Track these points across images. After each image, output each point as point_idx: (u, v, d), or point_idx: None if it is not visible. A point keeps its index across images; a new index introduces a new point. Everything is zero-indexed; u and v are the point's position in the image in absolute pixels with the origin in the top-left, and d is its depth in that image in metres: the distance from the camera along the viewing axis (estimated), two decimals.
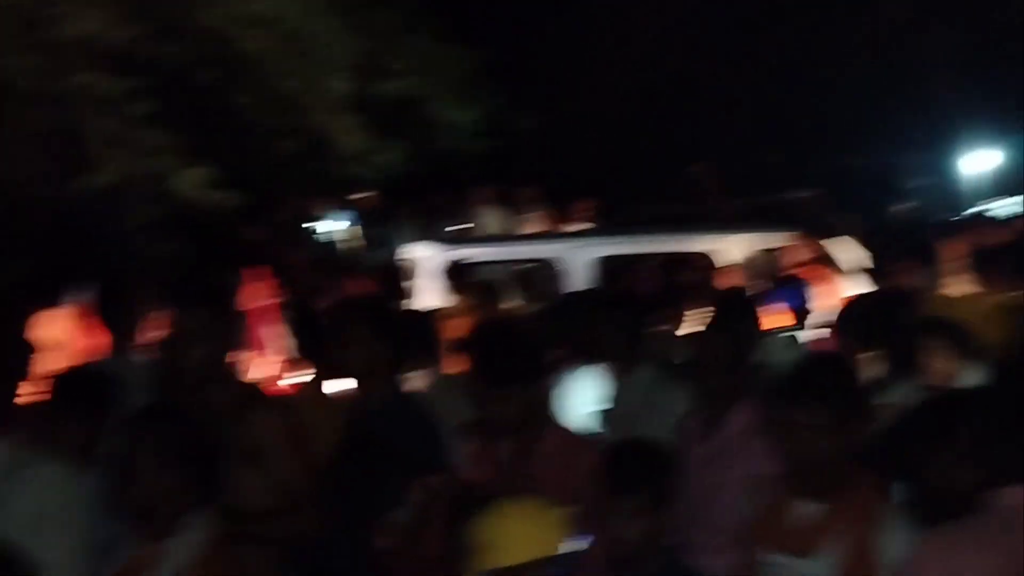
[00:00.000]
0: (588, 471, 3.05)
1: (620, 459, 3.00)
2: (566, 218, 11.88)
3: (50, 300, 8.11)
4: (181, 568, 2.62)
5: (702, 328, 4.11)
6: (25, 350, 3.95)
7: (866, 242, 7.57)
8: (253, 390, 3.43)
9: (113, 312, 5.22)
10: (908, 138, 15.78)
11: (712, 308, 4.85)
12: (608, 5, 16.42)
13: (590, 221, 11.48)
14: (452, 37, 11.16)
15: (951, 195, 15.50)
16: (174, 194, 9.69)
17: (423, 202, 12.07)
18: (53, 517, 2.90)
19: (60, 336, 7.80)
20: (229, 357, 3.37)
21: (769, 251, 7.70)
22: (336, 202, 12.34)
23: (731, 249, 7.54)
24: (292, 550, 3.13)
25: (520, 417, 3.39)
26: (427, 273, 7.32)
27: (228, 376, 3.33)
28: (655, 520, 2.85)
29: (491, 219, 12.07)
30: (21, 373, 3.55)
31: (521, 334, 3.99)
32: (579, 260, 7.41)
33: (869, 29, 17.17)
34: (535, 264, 8.04)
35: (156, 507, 2.67)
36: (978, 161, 15.98)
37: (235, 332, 3.51)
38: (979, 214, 10.38)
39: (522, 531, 2.69)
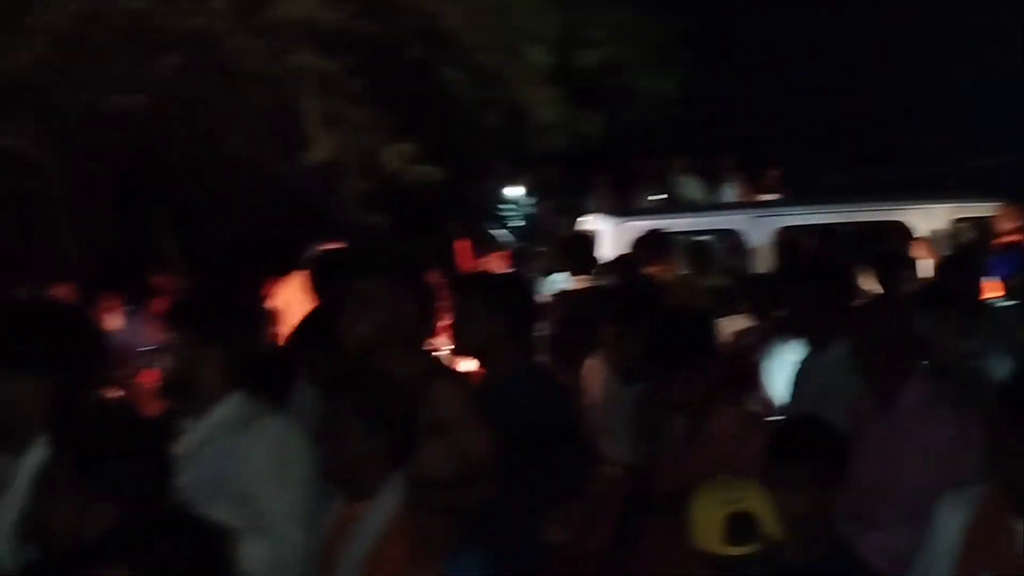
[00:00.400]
0: (760, 451, 3.00)
1: (786, 432, 3.01)
2: (759, 187, 11.74)
3: (279, 269, 8.64)
4: (378, 530, 2.70)
5: (864, 302, 4.03)
6: (259, 315, 4.10)
7: None
8: (437, 361, 3.41)
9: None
10: None
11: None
12: None
13: (778, 190, 11.32)
14: (650, 5, 11.13)
15: None
16: (383, 169, 10.08)
17: (620, 172, 12.11)
18: (282, 469, 2.94)
19: (288, 301, 8.32)
20: (410, 327, 3.30)
21: (968, 220, 7.40)
22: (529, 174, 12.52)
23: (925, 219, 7.26)
24: (471, 521, 3.14)
25: (696, 398, 3.39)
26: (609, 245, 7.28)
27: (410, 346, 3.27)
28: (818, 496, 2.80)
29: (687, 188, 12.03)
30: (255, 336, 3.50)
31: (697, 313, 3.95)
32: (763, 231, 7.28)
33: None
34: (719, 235, 7.94)
35: (357, 469, 2.77)
36: None
37: (414, 302, 3.35)
38: None
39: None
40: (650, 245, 6.53)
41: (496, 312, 3.53)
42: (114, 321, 6.29)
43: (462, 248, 8.55)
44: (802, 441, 2.88)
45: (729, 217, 7.30)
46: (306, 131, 9.73)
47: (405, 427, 2.84)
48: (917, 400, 3.41)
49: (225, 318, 3.13)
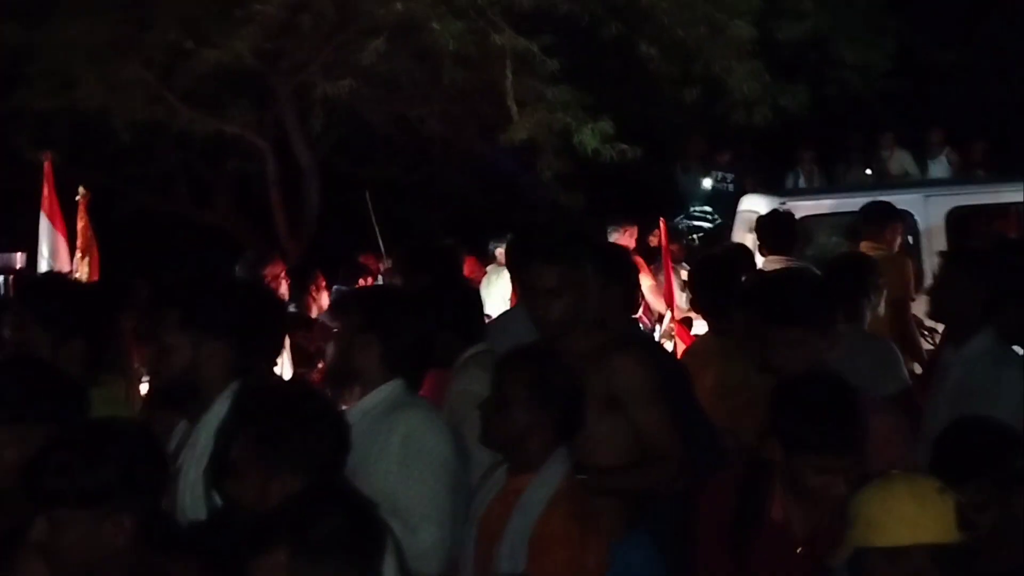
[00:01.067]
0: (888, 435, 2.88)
1: (956, 441, 2.74)
2: (967, 162, 11.11)
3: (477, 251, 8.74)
4: (543, 503, 2.75)
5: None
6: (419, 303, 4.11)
7: None
8: (614, 337, 3.36)
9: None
10: None
11: None
12: None
13: (986, 165, 10.67)
14: None
15: None
16: (580, 147, 10.04)
17: (825, 147, 11.69)
18: (411, 463, 2.98)
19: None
20: (597, 306, 3.39)
21: None
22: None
23: None
24: (643, 505, 3.11)
25: (807, 366, 3.08)
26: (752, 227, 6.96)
27: (589, 324, 3.29)
28: (1005, 508, 2.57)
29: (898, 163, 11.50)
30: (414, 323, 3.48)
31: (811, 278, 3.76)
32: (935, 211, 6.82)
33: None
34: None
35: (523, 441, 2.83)
36: None
37: (607, 284, 3.51)
38: None
39: (910, 511, 2.39)
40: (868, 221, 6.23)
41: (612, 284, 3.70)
42: (321, 301, 6.49)
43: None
44: (978, 450, 2.64)
45: (899, 197, 6.87)
46: (504, 111, 9.80)
47: (572, 401, 2.90)
48: None
49: (383, 306, 3.23)
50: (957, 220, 6.81)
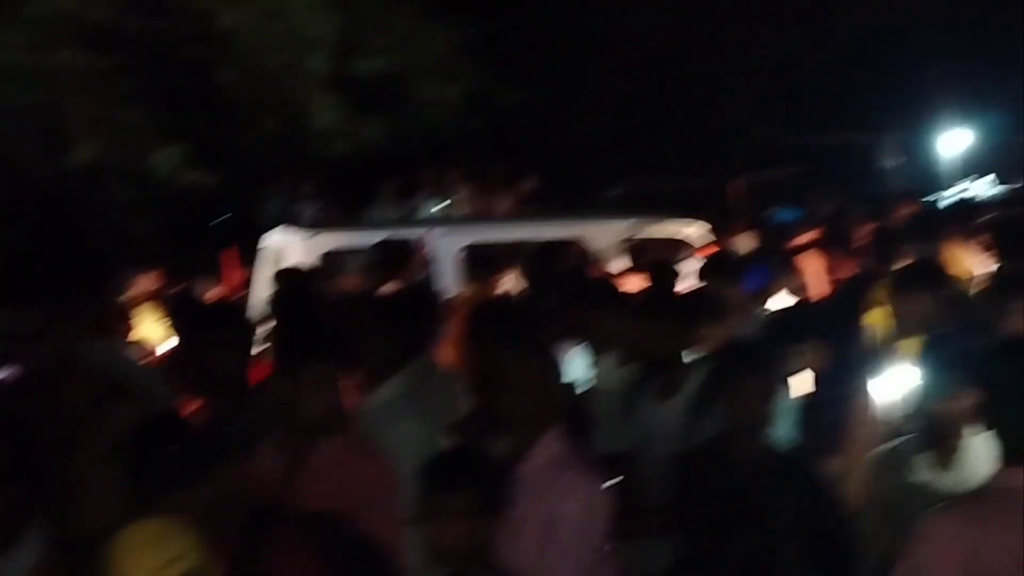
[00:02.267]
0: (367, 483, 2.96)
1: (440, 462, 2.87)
2: (518, 196, 11.91)
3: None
4: None
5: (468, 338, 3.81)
6: None
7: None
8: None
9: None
10: (886, 117, 15.88)
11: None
12: None
13: (536, 201, 11.60)
14: (435, 13, 11.11)
15: (929, 174, 15.66)
16: (153, 173, 9.69)
17: (404, 181, 12.07)
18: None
19: None
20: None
21: (646, 238, 7.80)
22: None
23: (603, 236, 7.56)
24: None
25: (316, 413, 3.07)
26: (296, 260, 7.17)
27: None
28: (475, 526, 2.69)
29: (464, 198, 12.06)
30: None
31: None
32: (450, 247, 7.38)
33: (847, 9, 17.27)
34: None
35: None
36: (953, 141, 16.14)
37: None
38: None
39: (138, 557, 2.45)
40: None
41: None
42: None
43: (229, 258, 8.27)
44: (458, 470, 2.76)
45: (418, 232, 7.32)
46: (69, 131, 9.25)
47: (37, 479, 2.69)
48: (543, 462, 3.01)
49: None
50: (473, 256, 7.24)
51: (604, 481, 3.09)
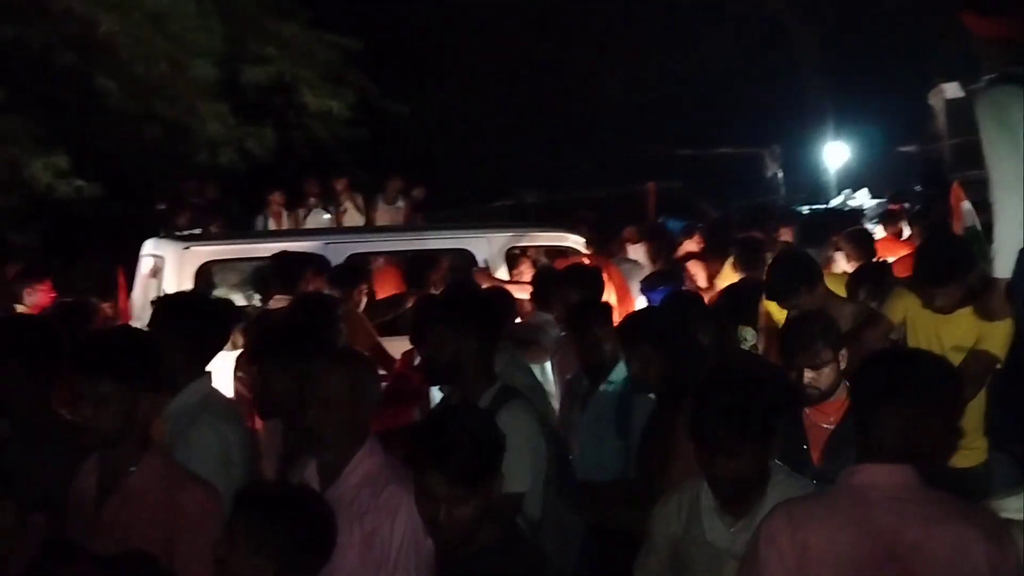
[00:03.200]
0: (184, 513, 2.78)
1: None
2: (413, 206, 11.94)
3: None
4: None
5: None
6: None
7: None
8: None
9: None
10: (772, 128, 16.36)
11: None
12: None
13: (423, 210, 11.67)
14: (323, 25, 11.06)
15: (814, 186, 16.19)
16: (33, 182, 9.42)
17: (292, 192, 11.95)
18: None
19: None
20: None
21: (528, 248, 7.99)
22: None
23: (488, 246, 7.73)
24: None
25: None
26: (172, 271, 7.13)
27: None
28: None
29: (351, 209, 11.98)
30: None
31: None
32: (336, 257, 7.42)
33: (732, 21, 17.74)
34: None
35: None
36: (835, 153, 16.71)
37: None
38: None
39: None
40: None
41: None
42: None
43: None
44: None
45: (305, 243, 7.33)
46: None
47: None
48: (360, 478, 2.88)
49: None
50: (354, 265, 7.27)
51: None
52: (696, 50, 17.21)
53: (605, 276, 6.20)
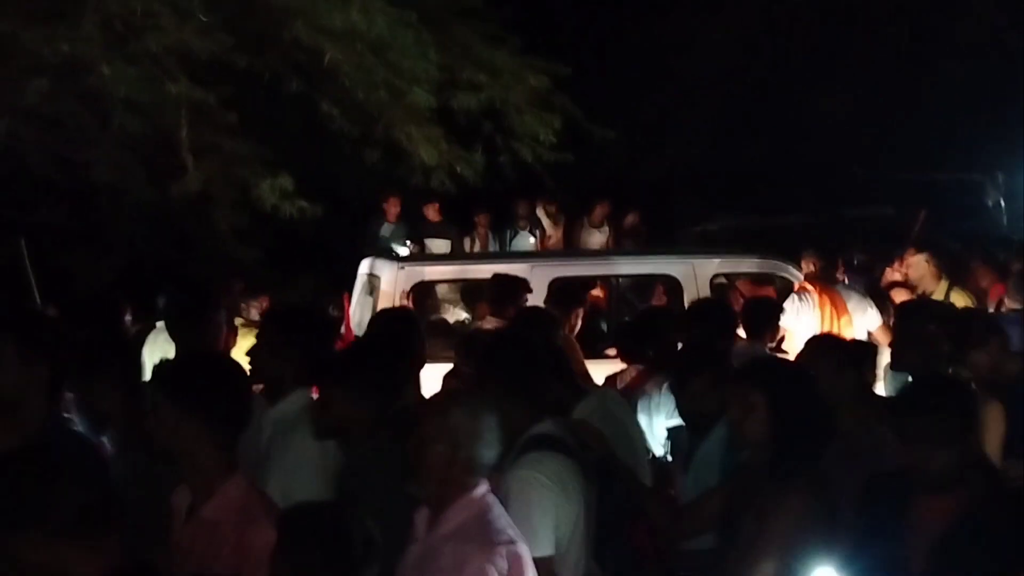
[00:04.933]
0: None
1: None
2: (621, 231, 11.94)
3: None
4: None
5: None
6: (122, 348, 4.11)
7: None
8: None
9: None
10: (995, 156, 15.57)
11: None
12: (681, 18, 16.52)
13: (638, 234, 11.60)
14: (533, 51, 11.26)
15: None
16: (259, 202, 9.94)
17: (498, 214, 12.19)
18: None
19: None
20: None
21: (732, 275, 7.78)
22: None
23: (696, 272, 7.58)
24: None
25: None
26: (388, 289, 7.35)
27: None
28: None
29: (556, 233, 12.14)
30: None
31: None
32: (541, 281, 7.48)
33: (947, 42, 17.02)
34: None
35: None
36: None
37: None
38: None
39: None
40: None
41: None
42: None
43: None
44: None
45: (512, 267, 7.47)
46: (179, 161, 9.55)
47: None
48: (454, 527, 2.86)
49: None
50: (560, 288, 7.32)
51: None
52: (920, 72, 16.60)
53: (829, 305, 6.07)
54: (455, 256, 10.47)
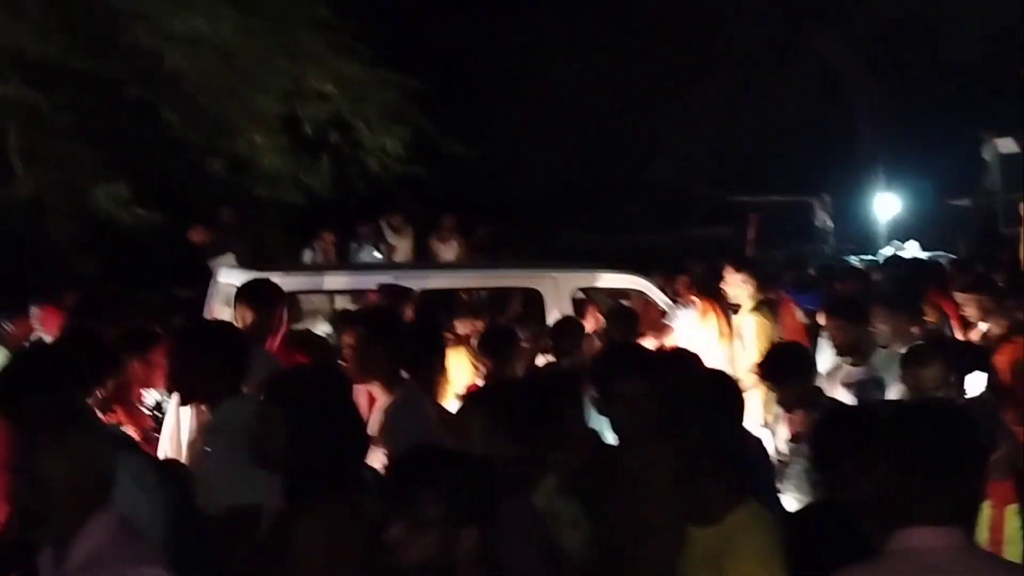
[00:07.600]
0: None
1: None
2: (472, 245, 12.00)
3: None
4: None
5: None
6: None
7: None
8: None
9: None
10: (823, 177, 16.31)
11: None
12: (537, 38, 16.77)
13: (489, 248, 11.71)
14: (382, 63, 11.23)
15: (864, 236, 16.10)
16: (95, 210, 9.63)
17: (345, 228, 12.11)
18: None
19: None
20: None
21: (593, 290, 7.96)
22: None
23: (555, 287, 7.67)
24: None
25: None
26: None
27: None
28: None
29: (402, 245, 12.12)
30: None
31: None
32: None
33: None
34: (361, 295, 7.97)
35: None
36: (886, 204, 16.63)
37: None
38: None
39: None
40: None
41: None
42: None
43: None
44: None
45: (370, 278, 7.40)
46: (8, 166, 9.17)
47: None
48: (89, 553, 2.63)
49: None
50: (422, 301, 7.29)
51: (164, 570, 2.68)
52: (751, 96, 17.28)
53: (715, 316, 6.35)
54: (316, 267, 10.30)
